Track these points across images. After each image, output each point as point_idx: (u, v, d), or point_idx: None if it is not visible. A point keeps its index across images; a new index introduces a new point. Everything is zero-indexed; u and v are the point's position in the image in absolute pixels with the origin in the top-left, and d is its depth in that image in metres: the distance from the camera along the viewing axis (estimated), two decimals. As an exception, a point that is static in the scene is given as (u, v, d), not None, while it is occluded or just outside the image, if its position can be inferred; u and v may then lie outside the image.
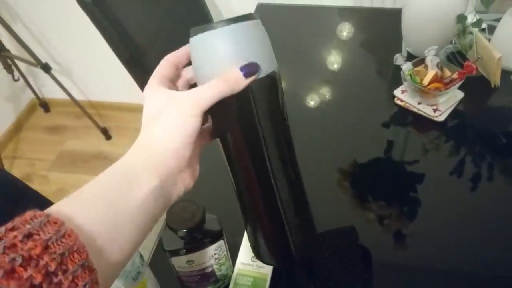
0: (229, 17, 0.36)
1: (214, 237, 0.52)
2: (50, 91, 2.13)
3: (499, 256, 0.63)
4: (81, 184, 0.31)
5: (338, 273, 0.61)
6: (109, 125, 2.08)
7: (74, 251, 0.26)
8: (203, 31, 0.35)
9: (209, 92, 0.34)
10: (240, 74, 0.35)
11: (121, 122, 2.11)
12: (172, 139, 0.34)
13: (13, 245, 0.24)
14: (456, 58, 0.95)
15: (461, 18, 0.85)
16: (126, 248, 0.31)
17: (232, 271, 0.59)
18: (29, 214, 0.26)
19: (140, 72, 0.94)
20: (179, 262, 0.53)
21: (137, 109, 2.09)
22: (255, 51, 0.36)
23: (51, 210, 0.28)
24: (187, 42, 0.38)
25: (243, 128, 0.37)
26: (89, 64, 1.96)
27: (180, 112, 0.34)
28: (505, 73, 0.87)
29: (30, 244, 0.24)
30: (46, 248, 0.25)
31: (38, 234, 0.25)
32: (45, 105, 2.18)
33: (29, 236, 0.25)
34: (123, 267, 0.32)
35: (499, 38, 0.89)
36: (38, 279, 0.23)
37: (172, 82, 0.39)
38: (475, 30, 0.86)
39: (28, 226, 0.25)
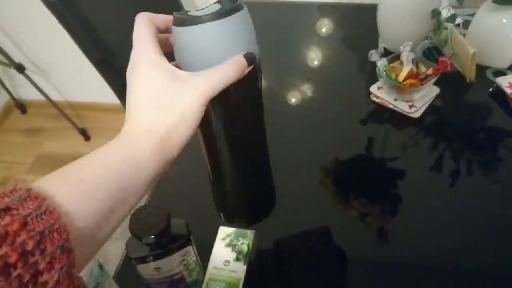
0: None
1: (182, 242, 0.51)
2: (27, 92, 2.07)
3: (480, 250, 0.62)
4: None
5: (312, 276, 0.60)
6: (88, 126, 2.04)
7: (54, 230, 0.24)
8: (198, 22, 0.34)
9: (222, 78, 0.34)
10: (245, 61, 0.35)
11: (100, 123, 2.07)
12: (185, 132, 0.33)
13: None
14: (432, 53, 0.94)
15: (436, 13, 0.84)
16: (114, 227, 0.30)
17: (204, 276, 0.57)
18: (8, 187, 0.25)
19: (111, 73, 0.91)
20: (146, 270, 0.51)
21: (116, 109, 2.07)
22: (251, 38, 0.37)
23: (33, 185, 0.27)
24: None
25: (239, 107, 0.39)
26: (67, 64, 1.91)
27: (193, 101, 0.33)
28: (480, 68, 0.87)
29: (7, 219, 0.22)
30: (24, 224, 0.23)
31: (17, 209, 0.23)
32: (21, 107, 2.13)
33: (6, 210, 0.23)
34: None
35: (473, 33, 0.88)
36: (13, 258, 0.22)
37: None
38: (450, 25, 0.86)
39: (6, 199, 0.24)
